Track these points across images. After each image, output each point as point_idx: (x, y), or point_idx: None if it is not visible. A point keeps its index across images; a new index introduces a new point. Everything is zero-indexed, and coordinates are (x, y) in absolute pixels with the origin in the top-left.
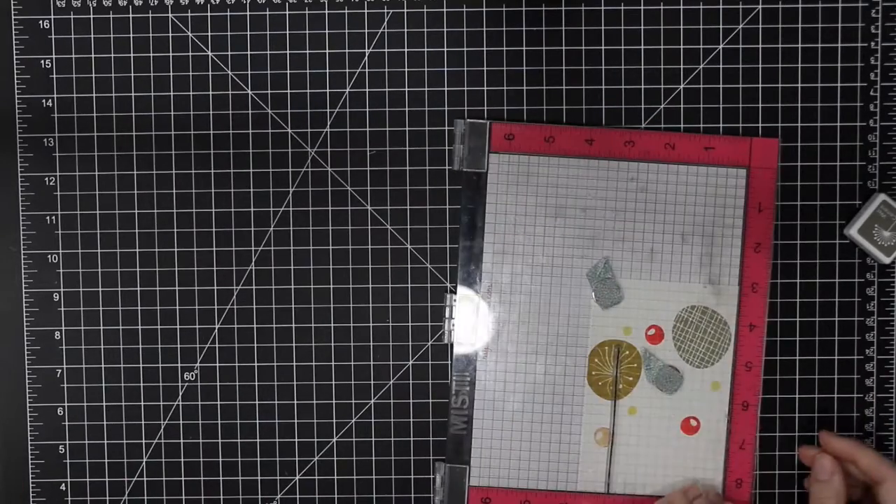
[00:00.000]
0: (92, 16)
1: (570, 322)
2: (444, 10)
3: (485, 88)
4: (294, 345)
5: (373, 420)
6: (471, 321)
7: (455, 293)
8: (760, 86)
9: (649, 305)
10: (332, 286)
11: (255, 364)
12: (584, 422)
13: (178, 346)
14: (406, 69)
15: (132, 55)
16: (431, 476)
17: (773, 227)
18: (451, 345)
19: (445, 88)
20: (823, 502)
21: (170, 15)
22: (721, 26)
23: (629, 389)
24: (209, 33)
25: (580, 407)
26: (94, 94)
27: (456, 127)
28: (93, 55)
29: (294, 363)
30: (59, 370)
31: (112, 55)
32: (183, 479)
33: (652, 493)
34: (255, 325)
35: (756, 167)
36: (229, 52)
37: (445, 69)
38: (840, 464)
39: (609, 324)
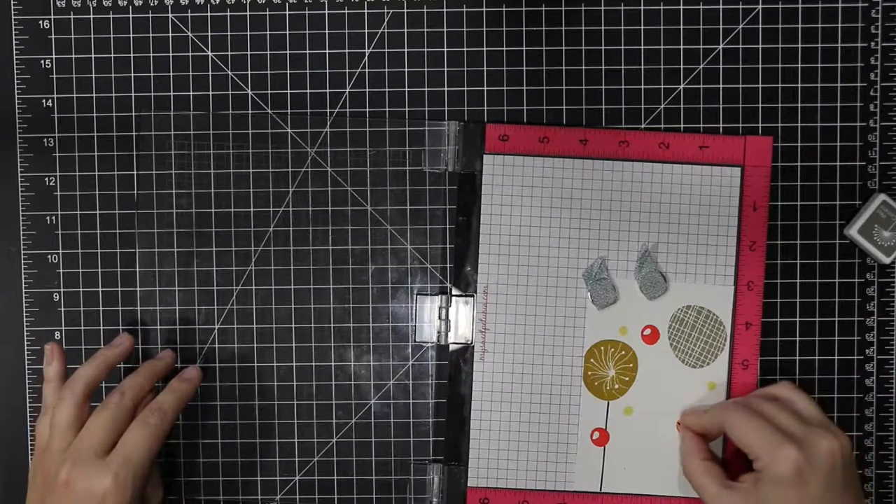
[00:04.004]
0: (92, 16)
1: (566, 323)
2: (444, 10)
3: (485, 88)
4: (294, 345)
5: (372, 420)
6: (466, 322)
7: (451, 294)
8: (760, 86)
9: (645, 305)
10: (331, 286)
11: (255, 364)
12: (580, 422)
13: (179, 345)
14: (406, 69)
15: (132, 55)
16: (429, 477)
17: (767, 226)
18: (448, 345)
19: (445, 88)
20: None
21: (170, 15)
22: (721, 26)
23: (625, 389)
24: (209, 33)
25: (577, 407)
26: (94, 94)
27: (448, 128)
28: (93, 55)
29: (294, 363)
30: None
31: (112, 55)
32: (183, 479)
33: (648, 493)
34: (255, 326)
35: (750, 166)
36: (229, 52)
37: (445, 69)
38: None
39: (605, 324)
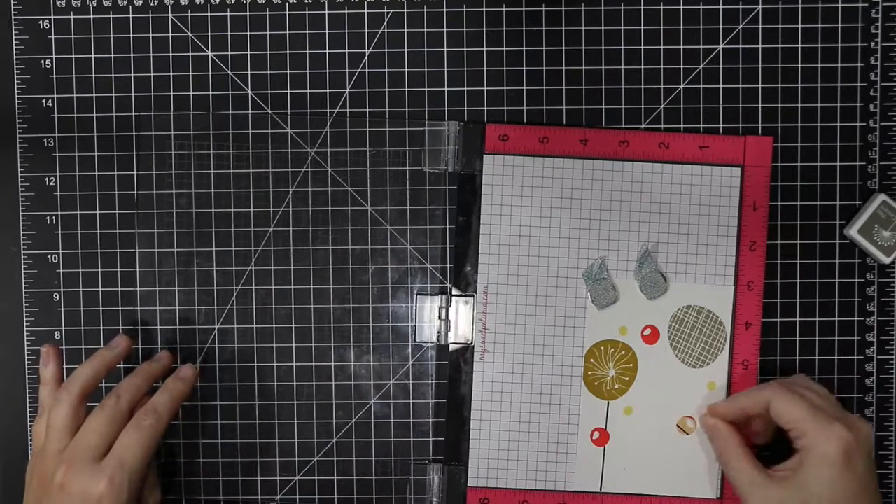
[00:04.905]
0: (92, 16)
1: (566, 323)
2: (444, 10)
3: (485, 88)
4: (294, 345)
5: (372, 420)
6: (466, 322)
7: (451, 294)
8: (760, 86)
9: (644, 305)
10: (332, 286)
11: (255, 364)
12: (580, 422)
13: (179, 345)
14: (406, 69)
15: (132, 55)
16: (429, 477)
17: (767, 226)
18: (448, 345)
19: (445, 88)
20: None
21: (170, 15)
22: (721, 26)
23: (625, 389)
24: (209, 33)
25: (577, 407)
26: (94, 94)
27: (448, 128)
28: (93, 55)
29: (294, 363)
30: None
31: (112, 55)
32: (183, 479)
33: (648, 493)
34: (255, 326)
35: (750, 165)
36: (229, 52)
37: (445, 69)
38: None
39: (605, 324)
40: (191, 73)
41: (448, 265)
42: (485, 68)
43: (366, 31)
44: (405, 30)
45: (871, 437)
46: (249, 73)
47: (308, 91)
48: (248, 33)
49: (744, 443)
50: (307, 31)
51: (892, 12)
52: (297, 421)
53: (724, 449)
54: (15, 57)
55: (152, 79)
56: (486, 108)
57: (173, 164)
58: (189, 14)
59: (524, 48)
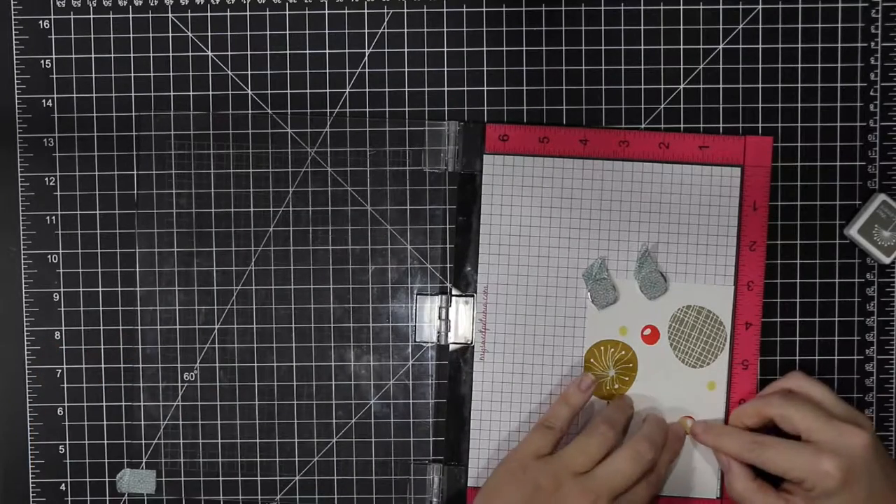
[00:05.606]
0: (92, 16)
1: (566, 323)
2: (444, 10)
3: (485, 88)
4: (294, 345)
5: (372, 420)
6: (466, 322)
7: (451, 294)
8: (760, 86)
9: (645, 305)
10: (332, 286)
11: (255, 364)
12: (581, 422)
13: (178, 346)
14: (406, 69)
15: (132, 55)
16: (429, 477)
17: (767, 226)
18: (448, 345)
19: (445, 88)
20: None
21: (170, 15)
22: (721, 26)
23: (625, 389)
24: (209, 33)
25: None
26: (94, 94)
27: (448, 128)
28: (93, 55)
29: (294, 363)
30: (59, 370)
31: (112, 55)
32: (182, 479)
33: None
34: (254, 326)
35: (750, 165)
36: (229, 52)
37: (445, 69)
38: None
39: (605, 324)
40: (191, 73)
41: (448, 265)
42: (485, 68)
43: (366, 31)
44: (405, 30)
45: (864, 448)
46: (249, 73)
47: (308, 91)
48: (248, 33)
49: (754, 475)
50: (307, 31)
51: (892, 12)
52: (297, 421)
53: (741, 487)
54: (15, 57)
55: (152, 79)
56: (486, 108)
57: (173, 164)
58: (189, 14)
59: (524, 48)
